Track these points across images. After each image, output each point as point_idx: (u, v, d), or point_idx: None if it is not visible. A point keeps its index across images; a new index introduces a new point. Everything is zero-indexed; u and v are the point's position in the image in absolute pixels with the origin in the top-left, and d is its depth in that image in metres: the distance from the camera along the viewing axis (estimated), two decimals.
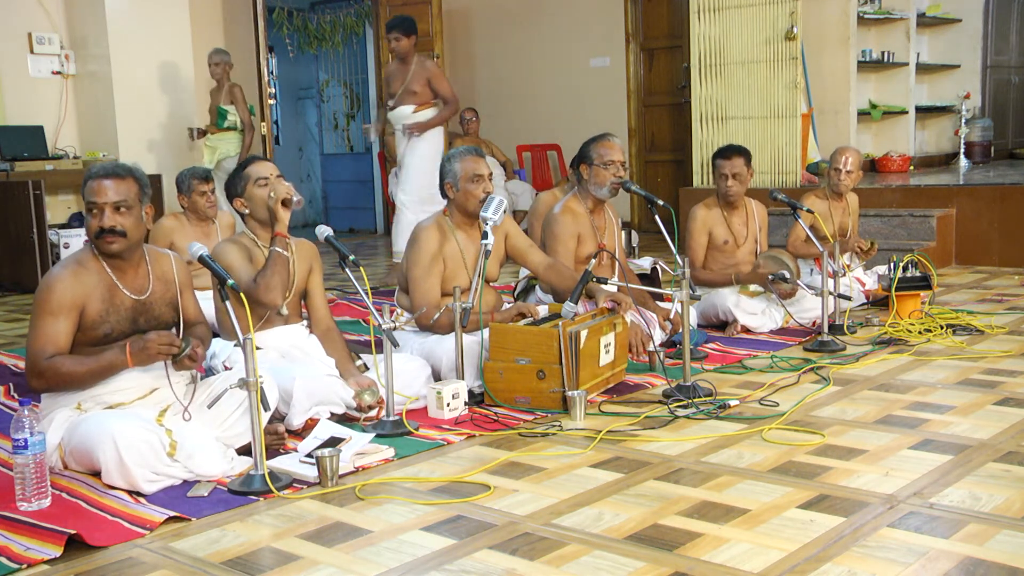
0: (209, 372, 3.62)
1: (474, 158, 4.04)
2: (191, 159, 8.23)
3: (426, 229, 4.03)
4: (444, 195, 4.09)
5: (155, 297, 3.13)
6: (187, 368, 3.10)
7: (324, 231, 3.59)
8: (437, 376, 3.86)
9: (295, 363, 3.58)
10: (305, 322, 3.83)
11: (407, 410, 3.61)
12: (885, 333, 4.73)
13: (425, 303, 3.93)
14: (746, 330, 4.93)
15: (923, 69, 9.70)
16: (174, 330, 3.15)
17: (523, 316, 3.92)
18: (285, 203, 3.56)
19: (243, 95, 8.22)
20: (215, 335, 3.67)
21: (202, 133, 8.16)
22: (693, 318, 4.78)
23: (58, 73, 8.23)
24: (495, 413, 3.61)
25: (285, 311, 3.71)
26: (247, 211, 3.71)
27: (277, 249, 3.55)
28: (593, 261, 4.21)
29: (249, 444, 2.97)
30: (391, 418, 3.42)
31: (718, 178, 5.05)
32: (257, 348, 3.17)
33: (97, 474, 2.89)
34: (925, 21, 9.66)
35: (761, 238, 5.20)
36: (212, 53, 8.14)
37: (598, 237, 4.56)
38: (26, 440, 2.70)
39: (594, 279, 3.82)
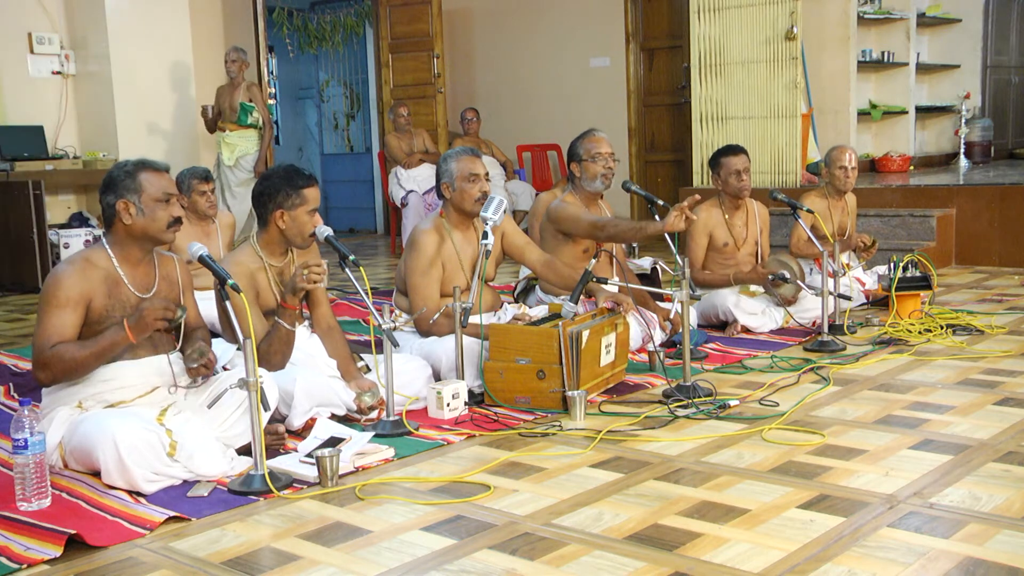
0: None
1: (470, 157, 4.05)
2: (191, 159, 8.22)
3: (424, 232, 4.02)
4: (440, 195, 4.09)
5: (160, 296, 3.14)
6: (200, 375, 3.11)
7: (324, 231, 3.58)
8: (437, 376, 3.86)
9: (296, 364, 3.57)
10: (307, 322, 3.83)
11: (407, 410, 3.61)
12: (885, 333, 4.73)
13: (425, 307, 3.93)
14: (746, 330, 4.93)
15: (923, 69, 9.70)
16: (174, 333, 3.16)
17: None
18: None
19: (261, 94, 8.24)
20: (214, 336, 3.66)
21: (217, 114, 8.14)
22: (693, 318, 4.78)
23: (58, 73, 8.22)
24: (495, 413, 3.61)
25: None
26: (284, 227, 3.54)
27: (283, 324, 3.41)
28: (594, 261, 4.21)
29: (249, 444, 2.97)
30: (391, 418, 3.42)
31: (729, 176, 5.02)
32: None
33: (97, 474, 2.89)
34: (925, 21, 9.65)
35: (763, 240, 5.20)
36: (231, 50, 8.15)
37: None
38: (26, 440, 2.70)
39: (594, 279, 3.83)
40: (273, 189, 3.53)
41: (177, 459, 2.91)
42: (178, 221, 3.12)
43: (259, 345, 3.43)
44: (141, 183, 3.05)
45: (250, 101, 8.12)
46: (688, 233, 5.11)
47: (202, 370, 3.07)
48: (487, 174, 4.10)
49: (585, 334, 3.61)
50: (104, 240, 3.12)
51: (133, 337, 2.97)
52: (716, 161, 5.10)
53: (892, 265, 5.03)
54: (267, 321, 3.56)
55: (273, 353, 3.42)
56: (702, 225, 5.07)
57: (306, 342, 3.72)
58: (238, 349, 3.41)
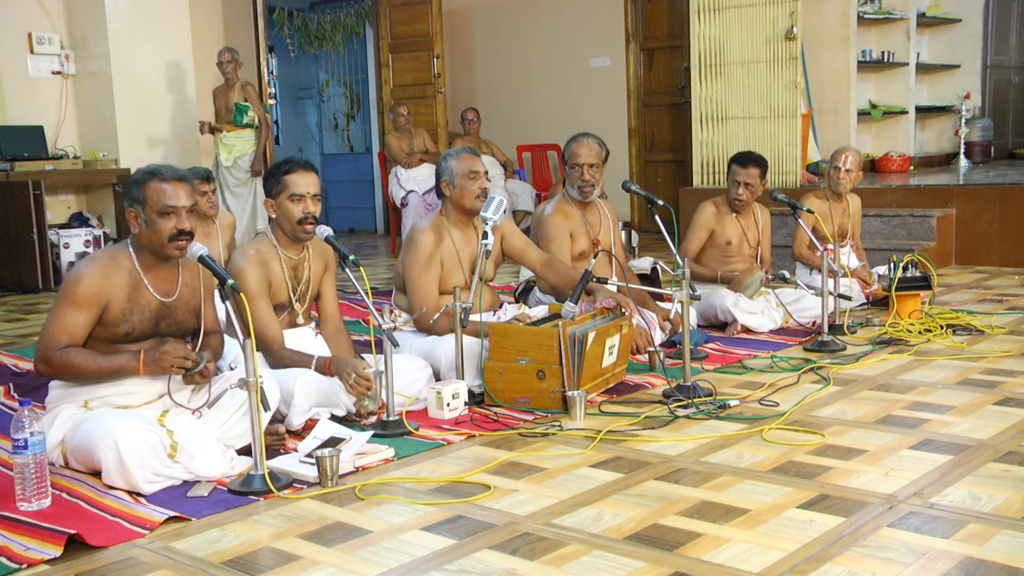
0: (218, 372, 3.61)
1: (470, 155, 4.08)
2: (191, 159, 8.23)
3: (423, 231, 4.03)
4: (440, 193, 4.10)
5: (181, 301, 3.13)
6: (197, 384, 3.11)
7: (324, 231, 3.58)
8: (437, 376, 3.86)
9: None
10: (314, 323, 3.83)
11: (407, 410, 3.61)
12: (885, 333, 4.73)
13: (424, 305, 3.93)
14: (746, 330, 4.93)
15: (923, 69, 9.70)
16: (190, 338, 3.17)
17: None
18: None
19: (256, 93, 8.24)
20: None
21: (213, 129, 8.16)
22: (693, 318, 4.78)
23: (58, 73, 8.23)
24: (495, 413, 3.61)
25: (301, 320, 3.71)
26: (274, 215, 3.61)
27: (315, 365, 3.50)
28: (593, 260, 4.21)
29: (249, 444, 2.97)
30: (391, 418, 3.42)
31: (730, 183, 5.06)
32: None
33: (97, 474, 2.89)
34: (925, 21, 9.66)
35: (764, 244, 5.21)
36: (224, 51, 8.16)
37: (591, 234, 4.56)
38: (26, 440, 2.70)
39: (594, 279, 3.83)
40: (264, 178, 3.66)
41: (178, 460, 2.90)
42: (181, 234, 3.01)
43: (283, 353, 3.52)
44: (146, 194, 3.00)
45: (245, 101, 8.13)
46: (690, 225, 5.13)
47: (197, 378, 3.06)
48: (486, 173, 4.12)
49: (591, 336, 3.60)
50: (128, 240, 3.11)
51: (144, 372, 2.99)
52: (729, 163, 5.12)
53: (892, 265, 5.03)
54: (277, 315, 3.58)
55: (290, 365, 3.50)
56: (705, 219, 5.09)
57: (311, 343, 3.72)
58: None
